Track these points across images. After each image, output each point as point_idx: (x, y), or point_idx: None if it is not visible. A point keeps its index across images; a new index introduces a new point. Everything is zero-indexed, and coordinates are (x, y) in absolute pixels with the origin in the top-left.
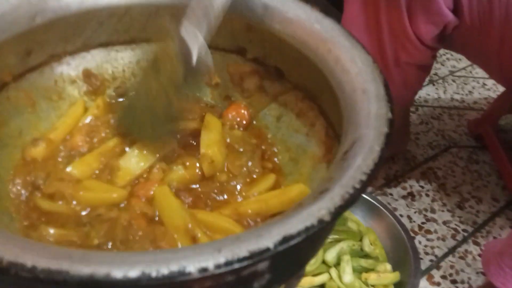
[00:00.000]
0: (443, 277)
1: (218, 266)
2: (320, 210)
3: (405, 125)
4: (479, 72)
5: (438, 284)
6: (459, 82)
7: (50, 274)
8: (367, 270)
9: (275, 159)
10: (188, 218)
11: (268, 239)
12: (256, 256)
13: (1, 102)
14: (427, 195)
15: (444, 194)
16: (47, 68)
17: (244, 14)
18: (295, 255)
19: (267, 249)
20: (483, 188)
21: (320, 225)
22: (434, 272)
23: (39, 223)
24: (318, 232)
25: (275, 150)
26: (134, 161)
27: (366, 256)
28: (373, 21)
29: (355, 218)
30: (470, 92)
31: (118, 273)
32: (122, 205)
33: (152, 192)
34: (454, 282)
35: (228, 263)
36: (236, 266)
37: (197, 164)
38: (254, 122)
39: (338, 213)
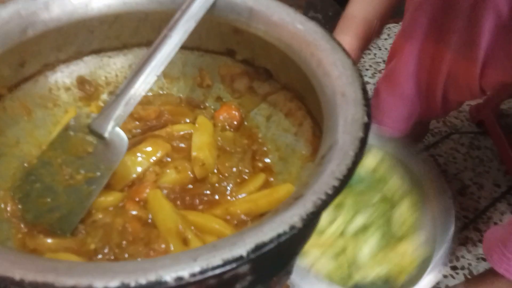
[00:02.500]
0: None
1: (193, 275)
2: (292, 216)
3: (426, 125)
4: None
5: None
6: None
7: (37, 287)
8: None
9: (266, 159)
10: (179, 221)
11: (242, 247)
12: (229, 264)
13: None
14: None
15: (446, 181)
16: (41, 77)
17: (231, 17)
18: (273, 257)
19: (240, 257)
20: (485, 174)
21: (292, 231)
22: None
23: (37, 232)
24: (292, 238)
25: (266, 149)
26: (130, 165)
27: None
28: (429, 61)
29: (396, 180)
30: None
31: (99, 284)
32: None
33: (145, 195)
34: (454, 268)
35: (202, 271)
36: (210, 274)
37: (189, 167)
38: (245, 123)
39: (309, 219)
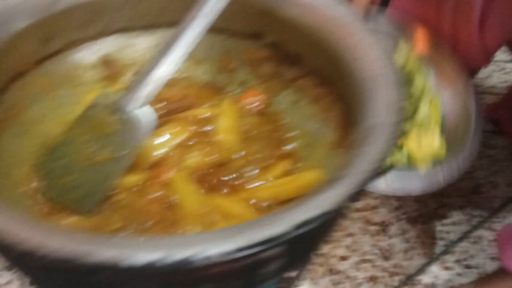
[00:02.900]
0: (457, 261)
1: (239, 250)
2: (336, 195)
3: None
4: (498, 55)
5: (452, 268)
6: None
7: (76, 257)
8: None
9: (291, 145)
10: (206, 203)
11: (286, 223)
12: (275, 240)
13: (23, 89)
14: None
15: (460, 179)
16: (66, 54)
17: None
18: (309, 239)
19: (286, 233)
20: (499, 172)
21: (337, 210)
22: (447, 257)
23: (58, 211)
24: (333, 218)
25: (291, 135)
26: (153, 146)
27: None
28: (432, 20)
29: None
30: (488, 76)
31: (141, 257)
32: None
33: (169, 176)
34: (468, 267)
35: (248, 247)
36: (257, 249)
37: (213, 150)
38: (270, 108)
39: (353, 198)
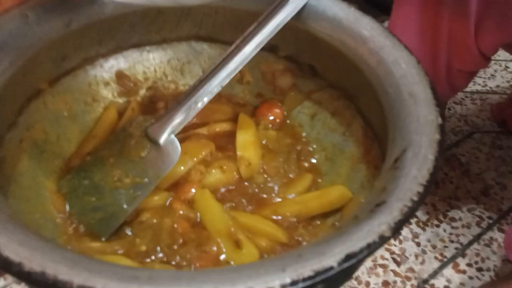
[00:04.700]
0: (469, 264)
1: (283, 286)
2: (380, 225)
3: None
4: (501, 54)
5: (464, 272)
6: None
7: None
8: None
9: (312, 159)
10: (230, 222)
11: (331, 257)
12: (320, 275)
13: (38, 108)
14: (451, 182)
15: (468, 181)
16: (81, 72)
17: None
18: (349, 271)
19: (331, 268)
20: (508, 174)
21: (381, 241)
22: (459, 260)
23: (82, 235)
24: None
25: (311, 149)
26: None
27: None
28: (430, 26)
29: None
30: (492, 75)
31: None
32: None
33: (192, 194)
34: (480, 269)
35: (293, 283)
36: (301, 285)
37: (234, 166)
38: (288, 121)
39: (398, 228)
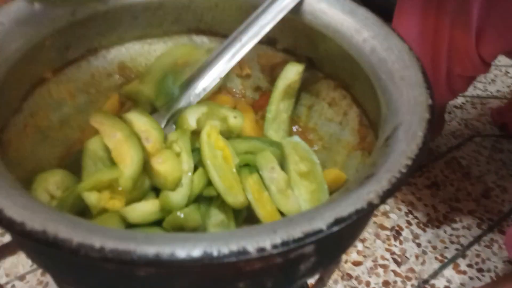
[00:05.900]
0: (469, 265)
1: (275, 246)
2: (368, 193)
3: (441, 117)
4: (501, 60)
5: (465, 272)
6: None
7: (118, 254)
8: None
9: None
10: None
11: (321, 220)
12: (309, 237)
13: (43, 96)
14: (451, 184)
15: (469, 184)
16: (84, 62)
17: None
18: (339, 239)
19: (320, 230)
20: (508, 177)
21: (370, 207)
22: (460, 261)
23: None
24: (365, 216)
25: (309, 139)
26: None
27: None
28: (431, 33)
29: None
30: (492, 80)
31: (181, 253)
32: None
33: None
34: (480, 270)
35: (284, 243)
36: (292, 246)
37: None
38: None
39: (386, 196)
